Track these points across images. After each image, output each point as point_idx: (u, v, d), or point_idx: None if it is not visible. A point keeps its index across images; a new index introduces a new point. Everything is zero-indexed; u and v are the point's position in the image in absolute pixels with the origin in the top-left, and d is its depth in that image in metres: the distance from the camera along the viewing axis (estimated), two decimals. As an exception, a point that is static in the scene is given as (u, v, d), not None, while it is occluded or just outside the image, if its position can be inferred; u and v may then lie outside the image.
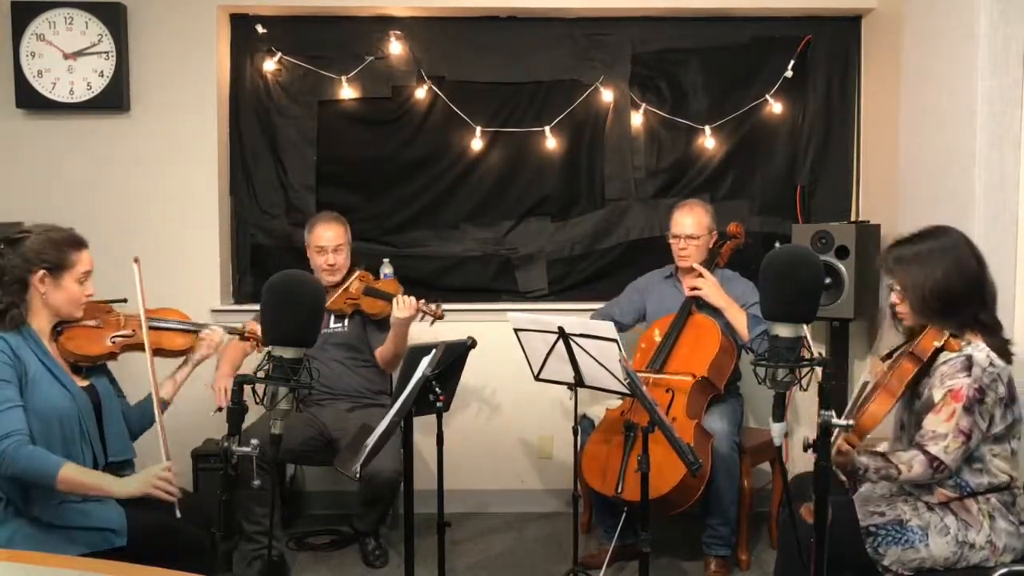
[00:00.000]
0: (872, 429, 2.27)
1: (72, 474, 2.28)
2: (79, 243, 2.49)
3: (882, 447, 2.46)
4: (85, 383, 2.52)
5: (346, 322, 3.62)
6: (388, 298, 3.47)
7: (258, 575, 3.25)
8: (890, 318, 2.49)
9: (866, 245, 3.65)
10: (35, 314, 2.44)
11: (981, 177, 3.02)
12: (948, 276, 2.31)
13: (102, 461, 2.50)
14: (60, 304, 2.45)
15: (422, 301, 3.43)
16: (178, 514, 2.39)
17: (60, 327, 2.50)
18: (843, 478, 2.32)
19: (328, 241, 3.58)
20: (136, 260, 2.52)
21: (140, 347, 2.55)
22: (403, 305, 3.39)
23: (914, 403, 2.36)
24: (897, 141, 3.64)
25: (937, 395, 2.27)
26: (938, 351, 2.29)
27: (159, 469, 2.38)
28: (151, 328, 2.57)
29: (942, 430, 2.24)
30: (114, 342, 2.54)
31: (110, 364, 2.64)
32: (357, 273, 3.64)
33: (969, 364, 2.25)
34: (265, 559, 3.26)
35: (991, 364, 2.26)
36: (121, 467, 2.57)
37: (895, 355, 2.41)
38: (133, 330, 2.57)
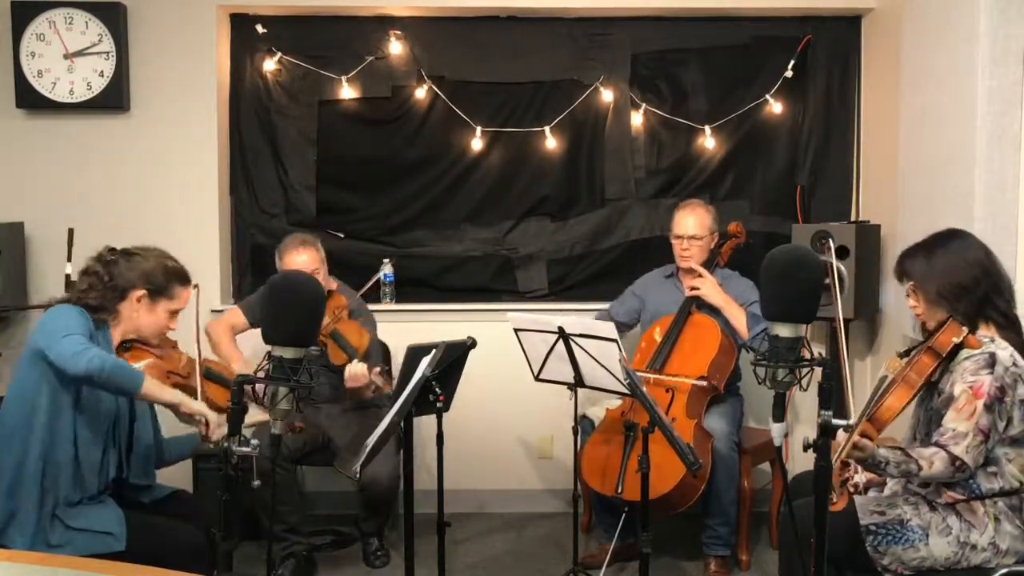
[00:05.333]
0: (890, 421, 2.23)
1: (153, 383, 2.36)
2: (187, 280, 2.56)
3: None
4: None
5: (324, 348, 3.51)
6: (349, 353, 3.29)
7: (292, 573, 3.28)
8: (914, 322, 2.48)
9: (866, 245, 3.65)
10: (116, 324, 2.49)
11: (981, 177, 3.02)
12: (953, 261, 2.35)
13: (125, 473, 2.52)
14: (143, 326, 2.52)
15: (376, 371, 3.20)
16: (211, 445, 2.45)
17: (128, 344, 2.55)
18: (857, 480, 2.30)
19: (301, 267, 3.32)
20: (195, 286, 2.54)
21: (190, 390, 2.60)
22: (352, 375, 3.19)
23: (933, 399, 2.34)
24: (897, 141, 3.63)
25: (957, 390, 2.24)
26: (958, 347, 2.27)
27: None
28: (204, 378, 2.64)
29: (962, 428, 2.21)
30: (168, 377, 2.59)
31: None
32: (330, 298, 3.45)
33: (992, 362, 2.23)
34: (297, 555, 3.29)
35: (1014, 364, 2.25)
36: (137, 491, 2.57)
37: (913, 352, 2.38)
38: (188, 374, 2.64)
